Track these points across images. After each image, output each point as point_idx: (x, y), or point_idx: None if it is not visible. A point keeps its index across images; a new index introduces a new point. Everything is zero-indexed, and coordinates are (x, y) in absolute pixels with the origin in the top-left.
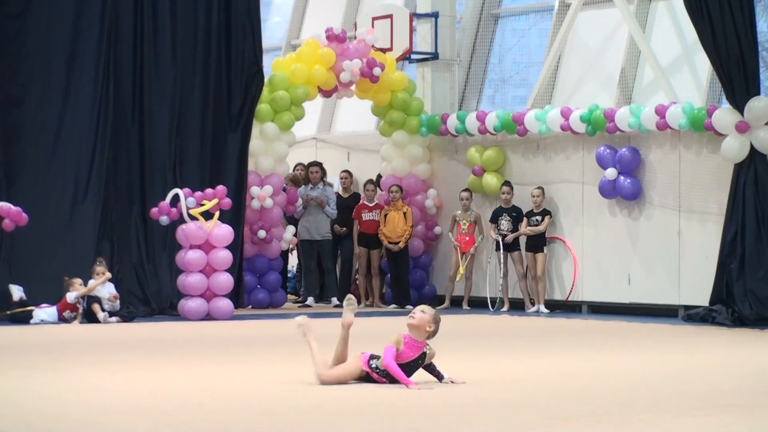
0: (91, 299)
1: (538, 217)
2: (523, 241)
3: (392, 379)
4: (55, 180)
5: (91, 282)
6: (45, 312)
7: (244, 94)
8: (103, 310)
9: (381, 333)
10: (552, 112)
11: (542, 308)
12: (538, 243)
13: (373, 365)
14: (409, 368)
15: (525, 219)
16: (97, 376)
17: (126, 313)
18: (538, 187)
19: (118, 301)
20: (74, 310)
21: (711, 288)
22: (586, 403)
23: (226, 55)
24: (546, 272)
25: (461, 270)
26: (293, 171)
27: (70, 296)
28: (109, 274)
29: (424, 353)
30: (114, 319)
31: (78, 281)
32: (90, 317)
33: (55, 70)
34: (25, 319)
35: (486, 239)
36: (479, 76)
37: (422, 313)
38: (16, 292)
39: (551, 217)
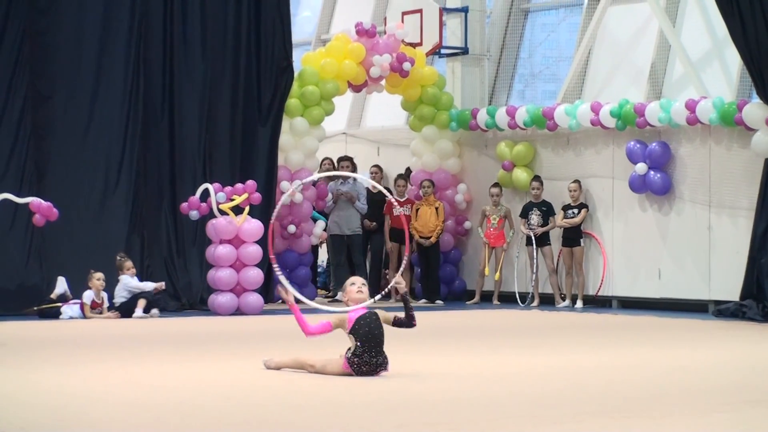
0: (137, 295)
1: (575, 210)
2: (553, 235)
3: (371, 371)
4: (85, 175)
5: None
6: (72, 309)
7: (273, 89)
8: (146, 310)
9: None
10: (582, 107)
11: (579, 303)
12: (574, 236)
13: (348, 355)
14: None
15: (562, 212)
16: (128, 371)
17: (158, 299)
18: (575, 181)
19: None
20: (96, 306)
21: (741, 283)
22: (615, 399)
23: (255, 49)
24: (583, 266)
25: (497, 272)
26: (321, 165)
27: (87, 297)
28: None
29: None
30: (155, 311)
31: (97, 276)
32: (126, 312)
33: (84, 64)
34: (53, 315)
35: (516, 234)
36: (509, 71)
37: (352, 286)
38: (60, 286)
39: (588, 210)
